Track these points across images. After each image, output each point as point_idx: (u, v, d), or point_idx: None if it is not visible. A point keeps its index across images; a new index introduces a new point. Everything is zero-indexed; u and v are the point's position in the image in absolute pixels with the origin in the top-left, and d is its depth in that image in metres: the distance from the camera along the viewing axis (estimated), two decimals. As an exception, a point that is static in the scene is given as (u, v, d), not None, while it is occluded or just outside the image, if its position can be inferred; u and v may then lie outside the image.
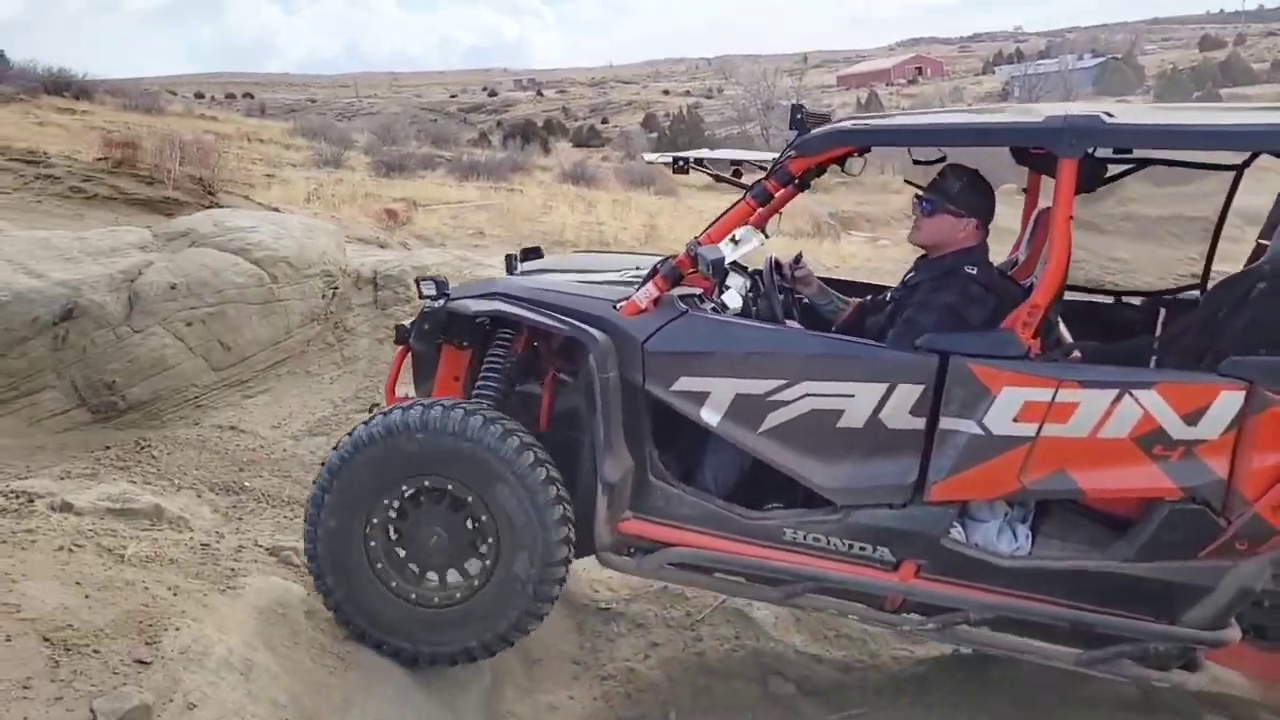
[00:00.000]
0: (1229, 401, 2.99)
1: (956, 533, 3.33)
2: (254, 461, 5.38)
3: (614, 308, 3.49)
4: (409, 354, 3.97)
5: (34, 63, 24.35)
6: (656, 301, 3.47)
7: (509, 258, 4.31)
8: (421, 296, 3.86)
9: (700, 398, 3.38)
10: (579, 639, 4.56)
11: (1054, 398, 3.09)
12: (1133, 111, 3.44)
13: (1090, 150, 3.17)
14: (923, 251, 3.76)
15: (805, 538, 3.40)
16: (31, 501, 4.34)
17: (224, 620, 3.31)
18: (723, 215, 3.51)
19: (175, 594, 3.41)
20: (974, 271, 3.52)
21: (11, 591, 3.14)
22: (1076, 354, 3.61)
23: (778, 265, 4.08)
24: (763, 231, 3.79)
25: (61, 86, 23.17)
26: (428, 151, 24.74)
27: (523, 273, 4.12)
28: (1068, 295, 3.78)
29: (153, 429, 5.58)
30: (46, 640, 2.96)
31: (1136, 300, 4.12)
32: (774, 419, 3.33)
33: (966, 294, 3.47)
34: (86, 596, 3.23)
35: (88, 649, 2.97)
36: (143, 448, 5.33)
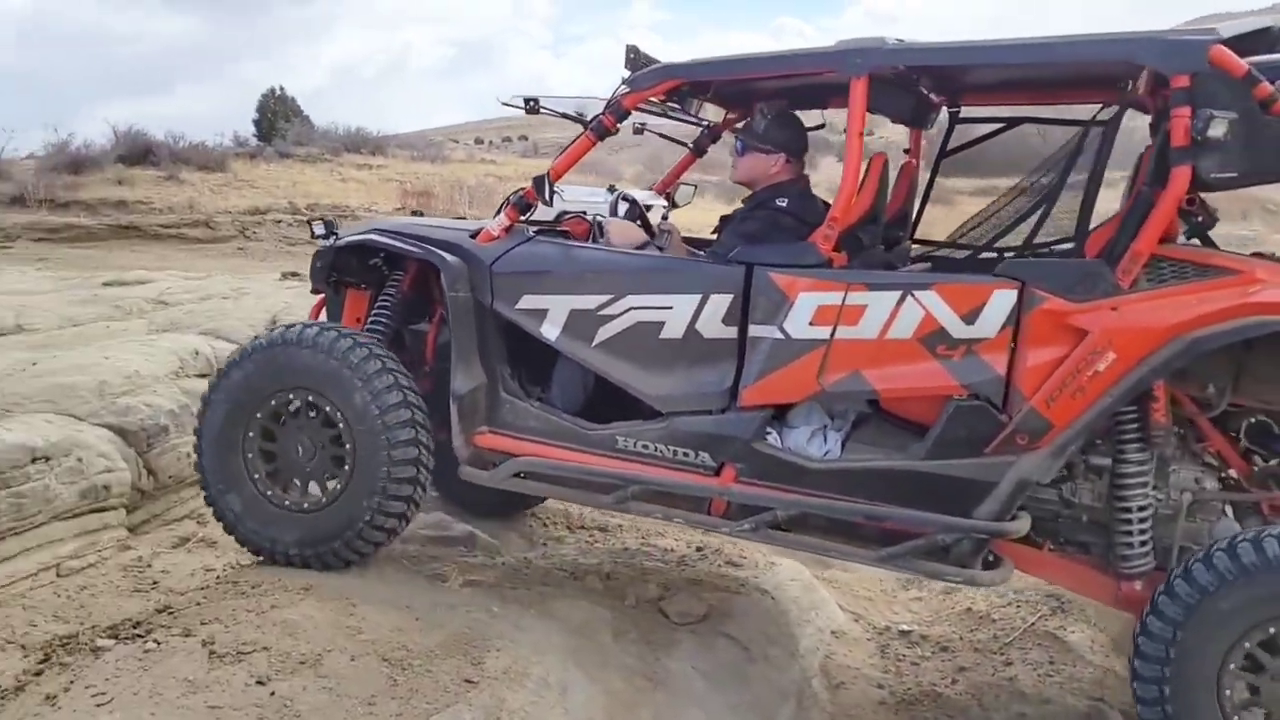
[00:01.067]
0: (1002, 300, 3.15)
1: (773, 438, 3.49)
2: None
3: (470, 236, 3.86)
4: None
5: (335, 125, 26.71)
6: (508, 230, 3.83)
7: (325, 222, 4.42)
8: (314, 237, 4.23)
9: (541, 315, 3.70)
10: (882, 662, 4.48)
11: (844, 300, 3.29)
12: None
13: (874, 70, 3.35)
14: None
15: (635, 445, 3.62)
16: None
17: (539, 642, 3.49)
18: (566, 148, 3.79)
19: (493, 617, 3.61)
20: (784, 204, 3.74)
21: (352, 615, 3.43)
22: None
23: (644, 221, 4.31)
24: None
25: (359, 144, 25.32)
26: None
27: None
28: (946, 252, 4.18)
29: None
30: (385, 660, 3.21)
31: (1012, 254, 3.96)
32: (604, 332, 3.62)
33: (773, 222, 3.70)
34: (417, 619, 3.49)
35: (421, 668, 3.20)
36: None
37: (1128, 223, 3.23)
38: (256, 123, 28.27)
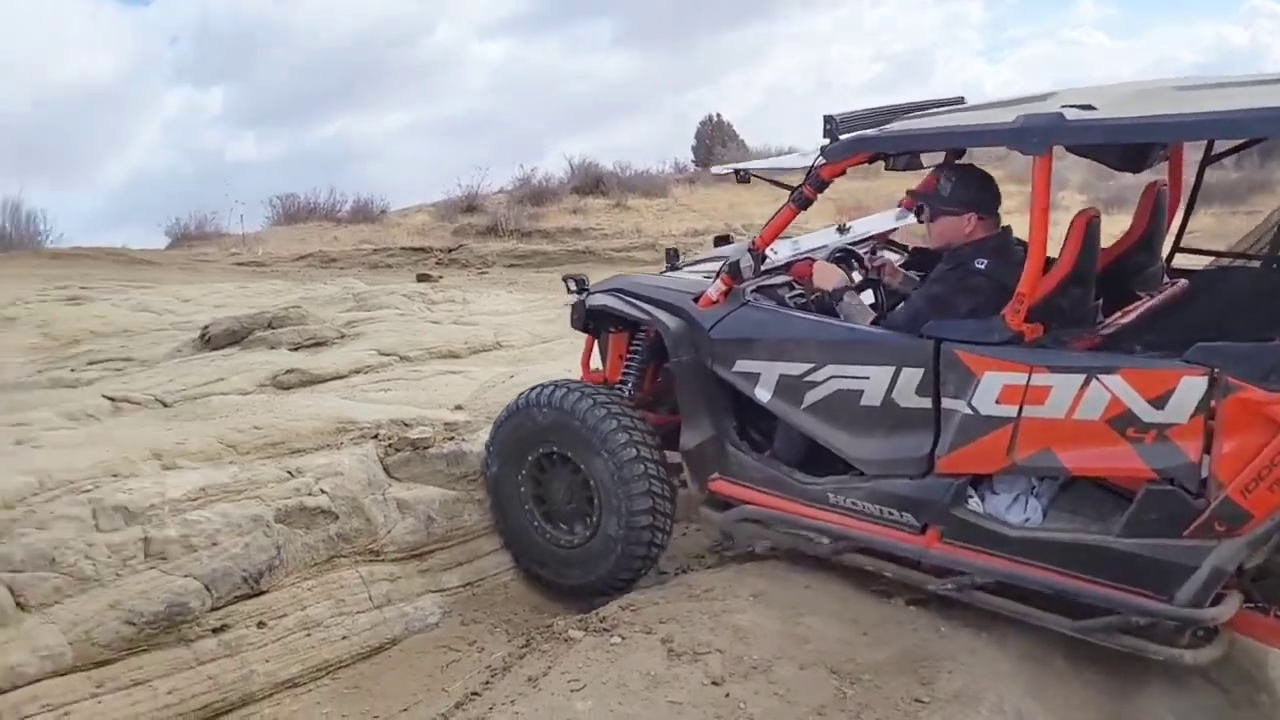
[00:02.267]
0: (1192, 387, 3.06)
1: (974, 502, 3.52)
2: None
3: (693, 300, 4.06)
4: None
5: (768, 146, 27.43)
6: (726, 294, 3.98)
7: (668, 252, 4.89)
8: (570, 292, 4.57)
9: (754, 379, 3.90)
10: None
11: (1029, 381, 3.29)
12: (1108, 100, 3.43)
13: (1055, 145, 3.26)
14: None
15: (845, 501, 3.76)
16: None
17: (990, 667, 3.37)
18: (772, 219, 3.89)
19: (941, 637, 3.54)
20: (982, 265, 3.68)
21: (800, 624, 3.51)
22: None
23: (858, 261, 4.39)
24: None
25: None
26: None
27: (689, 264, 4.79)
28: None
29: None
30: (833, 672, 3.25)
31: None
32: (810, 397, 3.77)
33: (962, 284, 3.68)
34: (864, 634, 3.49)
35: (870, 683, 3.20)
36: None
37: None
38: (695, 149, 29.69)
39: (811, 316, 3.94)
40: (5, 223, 13.50)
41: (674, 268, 4.75)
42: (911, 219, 4.78)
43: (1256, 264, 3.63)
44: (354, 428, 4.63)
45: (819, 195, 3.82)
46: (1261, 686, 3.77)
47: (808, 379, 3.78)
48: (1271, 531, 3.03)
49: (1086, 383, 3.20)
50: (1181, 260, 4.40)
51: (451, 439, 4.62)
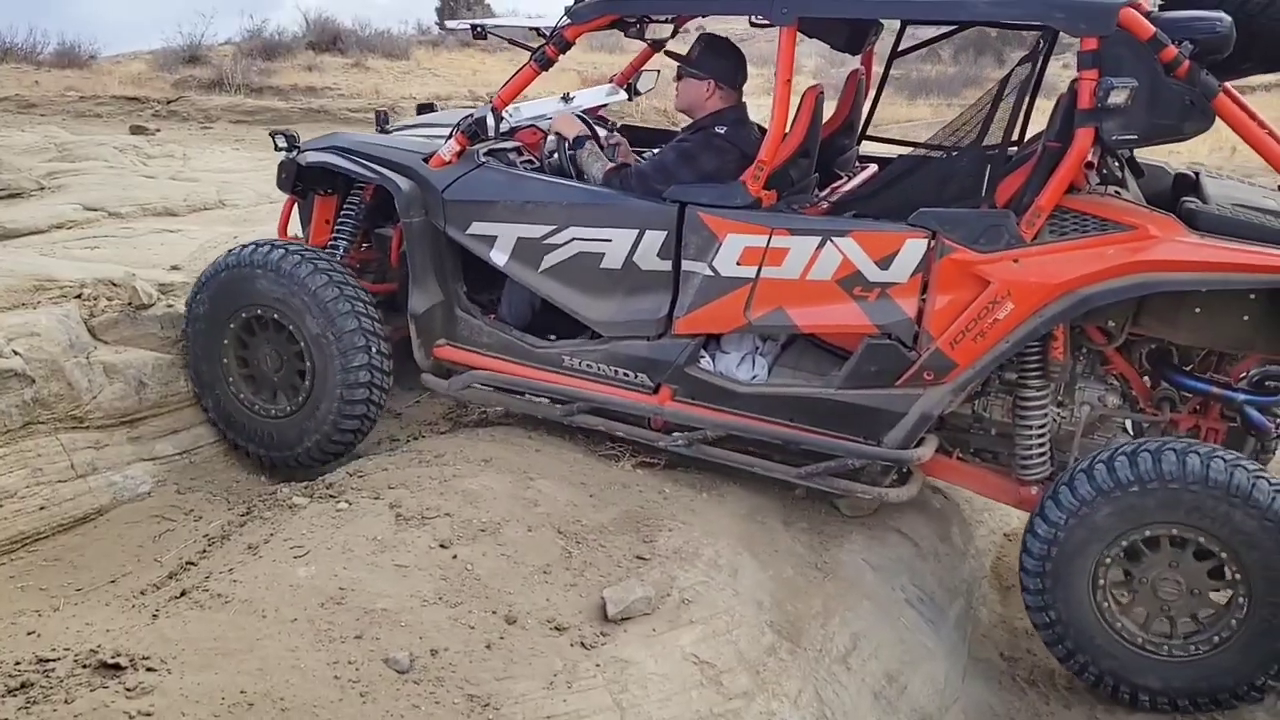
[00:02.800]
0: (913, 248, 3.36)
1: (706, 362, 3.78)
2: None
3: (424, 160, 4.02)
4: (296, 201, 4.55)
5: (515, 11, 26.68)
6: (459, 155, 3.97)
7: (378, 114, 4.74)
8: (277, 149, 4.36)
9: (490, 241, 3.93)
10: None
11: (769, 243, 3.52)
12: None
13: (801, 16, 3.44)
14: None
15: (580, 364, 3.92)
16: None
17: (709, 525, 3.54)
18: (511, 78, 3.93)
19: (665, 498, 3.68)
20: (722, 130, 3.86)
21: (530, 488, 3.56)
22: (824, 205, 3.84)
23: (594, 131, 4.33)
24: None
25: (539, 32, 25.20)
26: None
27: (397, 129, 4.65)
28: (895, 150, 4.34)
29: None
30: (560, 533, 3.33)
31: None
32: (549, 260, 3.85)
33: (708, 144, 3.84)
34: (591, 496, 3.59)
35: (595, 543, 3.31)
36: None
37: (1035, 176, 3.35)
38: (439, 10, 28.59)
39: (554, 179, 3.97)
40: None
41: (383, 131, 4.59)
42: (623, 95, 4.87)
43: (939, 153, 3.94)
44: (54, 286, 4.24)
45: (561, 56, 3.83)
46: (944, 538, 4.16)
47: (548, 242, 3.83)
48: (973, 378, 3.43)
49: (821, 245, 3.45)
50: (869, 147, 4.71)
51: (166, 300, 4.33)
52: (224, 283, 4.08)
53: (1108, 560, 3.28)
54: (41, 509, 3.54)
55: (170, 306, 4.30)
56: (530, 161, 4.21)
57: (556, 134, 4.11)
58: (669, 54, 4.41)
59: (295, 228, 4.62)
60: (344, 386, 3.98)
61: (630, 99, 4.90)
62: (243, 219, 6.52)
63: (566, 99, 4.58)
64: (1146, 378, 3.68)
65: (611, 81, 4.92)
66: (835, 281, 3.46)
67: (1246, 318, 3.30)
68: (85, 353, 3.88)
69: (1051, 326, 3.32)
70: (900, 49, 4.54)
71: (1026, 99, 3.78)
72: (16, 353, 3.62)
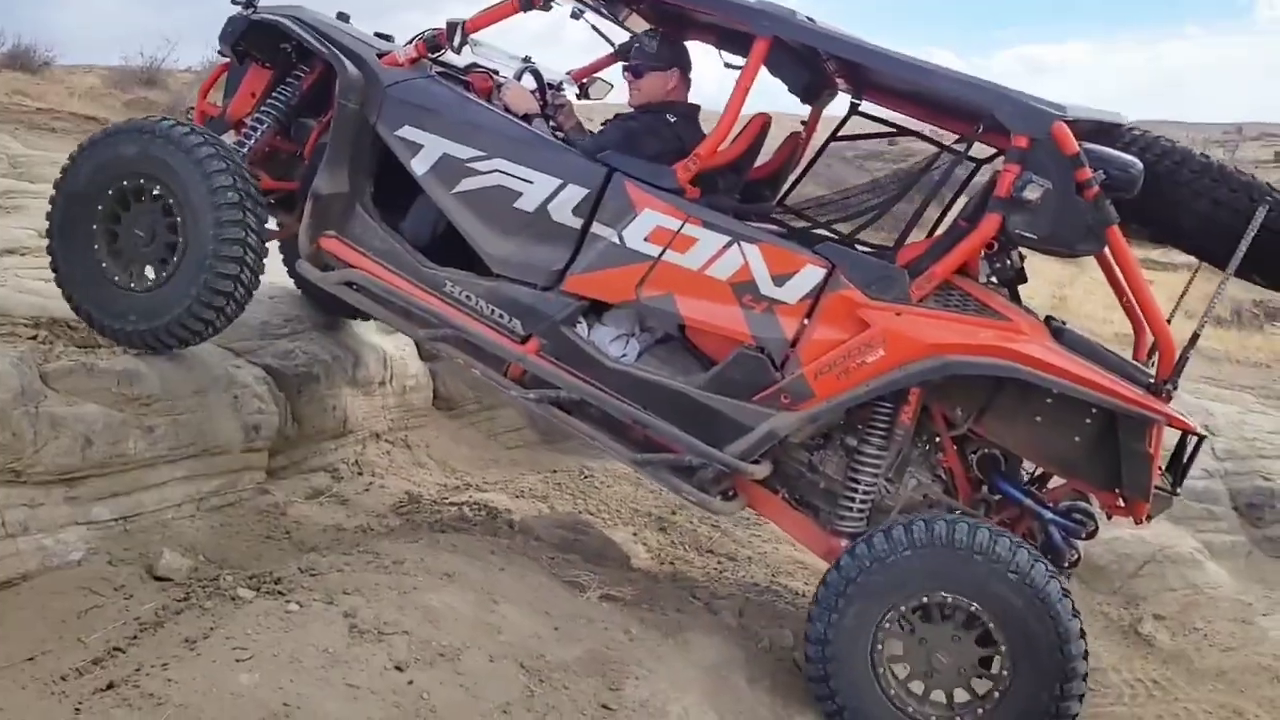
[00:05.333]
0: (810, 274, 3.59)
1: (581, 328, 3.87)
2: (685, 506, 5.55)
3: (377, 55, 4.07)
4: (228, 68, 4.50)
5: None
6: (413, 62, 4.05)
7: (339, 14, 4.51)
8: (233, 3, 4.26)
9: (416, 148, 3.97)
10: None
11: (681, 229, 3.68)
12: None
13: (777, 35, 3.69)
14: None
15: (460, 294, 3.95)
16: (494, 518, 4.72)
17: (676, 676, 3.42)
18: (489, 8, 4.03)
19: (630, 639, 3.55)
20: (672, 119, 4.05)
21: (493, 612, 3.41)
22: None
23: (544, 98, 4.44)
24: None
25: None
26: None
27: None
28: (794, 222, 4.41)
29: (591, 458, 5.91)
30: (523, 667, 3.18)
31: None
32: (466, 184, 3.92)
33: (653, 129, 4.01)
34: (556, 629, 3.44)
35: (559, 683, 3.16)
36: (586, 476, 5.66)
37: (936, 247, 3.69)
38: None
39: (496, 110, 4.08)
40: None
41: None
42: (574, 91, 4.85)
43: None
44: (6, 321, 4.04)
45: (545, 4, 4.00)
46: None
47: (470, 165, 3.92)
48: (823, 413, 3.62)
49: (729, 245, 3.66)
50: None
51: (129, 351, 4.12)
52: (109, 145, 3.99)
53: (886, 624, 3.43)
54: (-37, 567, 3.29)
55: (131, 357, 4.09)
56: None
57: (505, 107, 4.16)
58: (623, 62, 4.45)
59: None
60: (215, 258, 3.86)
61: (579, 98, 4.90)
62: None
63: (528, 61, 4.60)
64: (971, 480, 3.88)
65: (569, 74, 4.92)
66: (729, 284, 3.66)
67: (1078, 439, 3.56)
68: (35, 401, 3.65)
69: (910, 384, 3.54)
70: (839, 135, 4.69)
71: (920, 206, 4.08)
72: (-36, 395, 3.40)
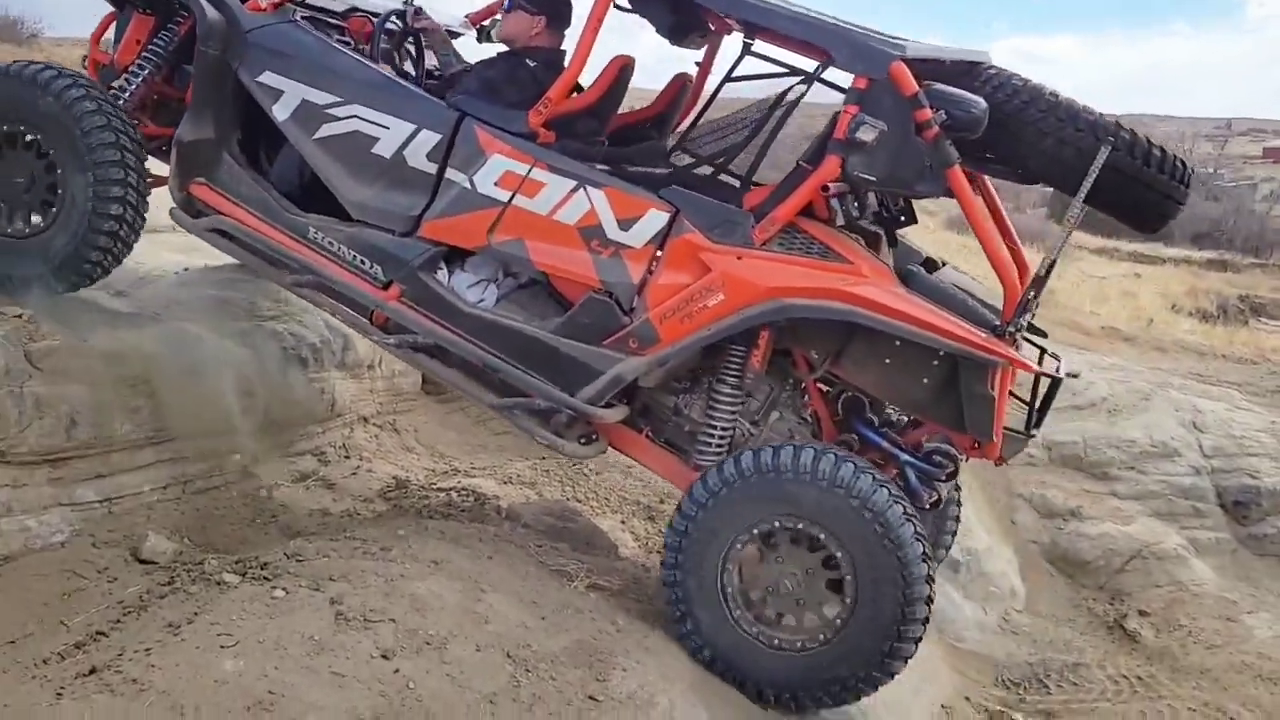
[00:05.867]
0: (656, 219, 3.63)
1: (442, 274, 3.91)
2: (674, 494, 5.53)
3: (242, 1, 4.09)
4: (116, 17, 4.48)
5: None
6: (276, 6, 4.11)
7: None
8: None
9: (276, 94, 3.99)
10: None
11: (529, 173, 3.72)
12: None
13: None
14: None
15: (323, 240, 3.96)
16: (482, 504, 4.70)
17: (665, 668, 3.41)
18: None
19: (618, 630, 3.54)
20: (531, 64, 4.04)
21: (480, 601, 3.39)
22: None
23: (401, 13, 4.43)
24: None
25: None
26: None
27: None
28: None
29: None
30: (510, 657, 3.16)
31: None
32: (325, 130, 3.94)
33: (511, 74, 4.03)
34: (543, 619, 3.42)
35: (546, 674, 3.14)
36: (574, 463, 5.63)
37: (780, 190, 3.64)
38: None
39: (354, 55, 4.07)
40: None
41: None
42: (470, 32, 4.84)
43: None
44: (-9, 300, 4.00)
45: None
46: (889, 707, 4.06)
47: (329, 111, 3.94)
48: (671, 356, 3.65)
49: (575, 190, 3.69)
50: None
51: (115, 331, 4.08)
52: None
53: (738, 547, 3.51)
54: (-55, 548, 3.26)
55: (121, 333, 4.05)
56: (348, 44, 4.25)
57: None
58: None
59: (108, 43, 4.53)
60: (96, 199, 3.88)
61: (480, 41, 4.85)
62: (190, 246, 6.26)
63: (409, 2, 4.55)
64: (836, 424, 3.93)
65: (466, 17, 4.90)
66: (577, 228, 3.69)
67: (926, 381, 3.58)
68: (20, 381, 3.62)
69: (748, 326, 3.57)
70: (734, 74, 4.44)
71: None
72: (-52, 374, 3.36)
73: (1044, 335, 4.11)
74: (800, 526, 3.43)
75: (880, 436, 3.82)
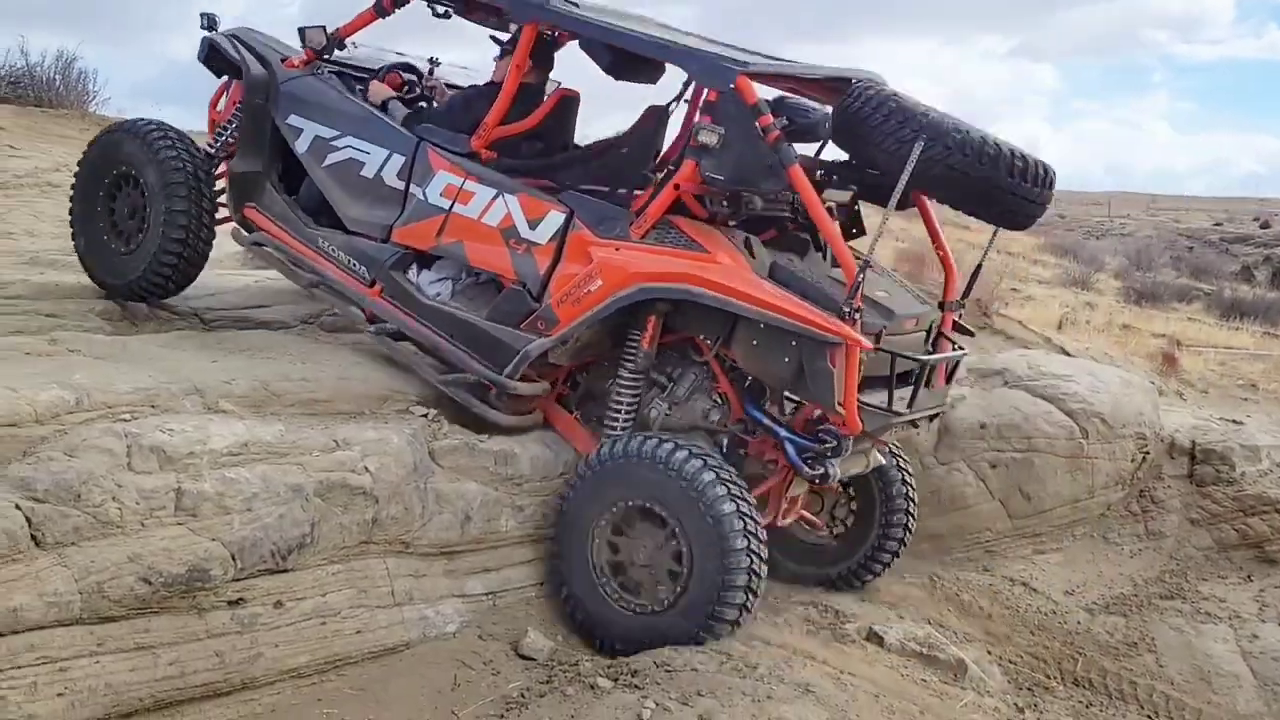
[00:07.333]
0: (554, 219, 4.27)
1: (412, 273, 4.63)
2: (1045, 628, 5.19)
3: (282, 60, 4.95)
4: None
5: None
6: (305, 63, 4.92)
7: (203, 14, 5.24)
8: (201, 27, 5.15)
9: (298, 132, 4.82)
10: None
11: (463, 185, 4.45)
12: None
13: (538, 21, 4.43)
14: None
15: (328, 248, 4.74)
16: (843, 623, 4.58)
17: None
18: (354, 18, 4.87)
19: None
20: (489, 98, 4.58)
21: (848, 730, 3.28)
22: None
23: (419, 79, 5.35)
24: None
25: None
26: (1185, 283, 22.60)
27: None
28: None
29: (942, 566, 5.64)
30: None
31: None
32: (329, 159, 4.76)
33: (469, 103, 4.79)
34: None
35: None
36: (936, 585, 5.41)
37: (655, 192, 4.14)
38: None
39: (350, 96, 4.87)
40: (56, 77, 13.00)
41: (209, 27, 5.25)
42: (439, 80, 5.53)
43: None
44: (400, 397, 4.40)
45: (396, 10, 4.78)
46: None
47: (331, 143, 4.75)
48: (569, 335, 4.19)
49: (496, 197, 4.38)
50: None
51: (506, 434, 4.38)
52: (107, 144, 5.07)
53: (603, 521, 3.98)
54: (358, 633, 3.57)
55: (503, 441, 4.34)
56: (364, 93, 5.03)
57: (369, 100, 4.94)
58: (494, 39, 5.13)
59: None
60: (166, 225, 4.78)
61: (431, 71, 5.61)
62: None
63: (432, 61, 5.64)
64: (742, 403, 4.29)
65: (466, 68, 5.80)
66: (499, 230, 4.36)
67: (787, 360, 3.88)
68: (425, 478, 3.95)
69: (618, 307, 4.07)
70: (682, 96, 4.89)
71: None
72: (368, 470, 3.71)
73: (970, 335, 4.78)
74: (647, 505, 3.90)
75: (762, 413, 4.18)
